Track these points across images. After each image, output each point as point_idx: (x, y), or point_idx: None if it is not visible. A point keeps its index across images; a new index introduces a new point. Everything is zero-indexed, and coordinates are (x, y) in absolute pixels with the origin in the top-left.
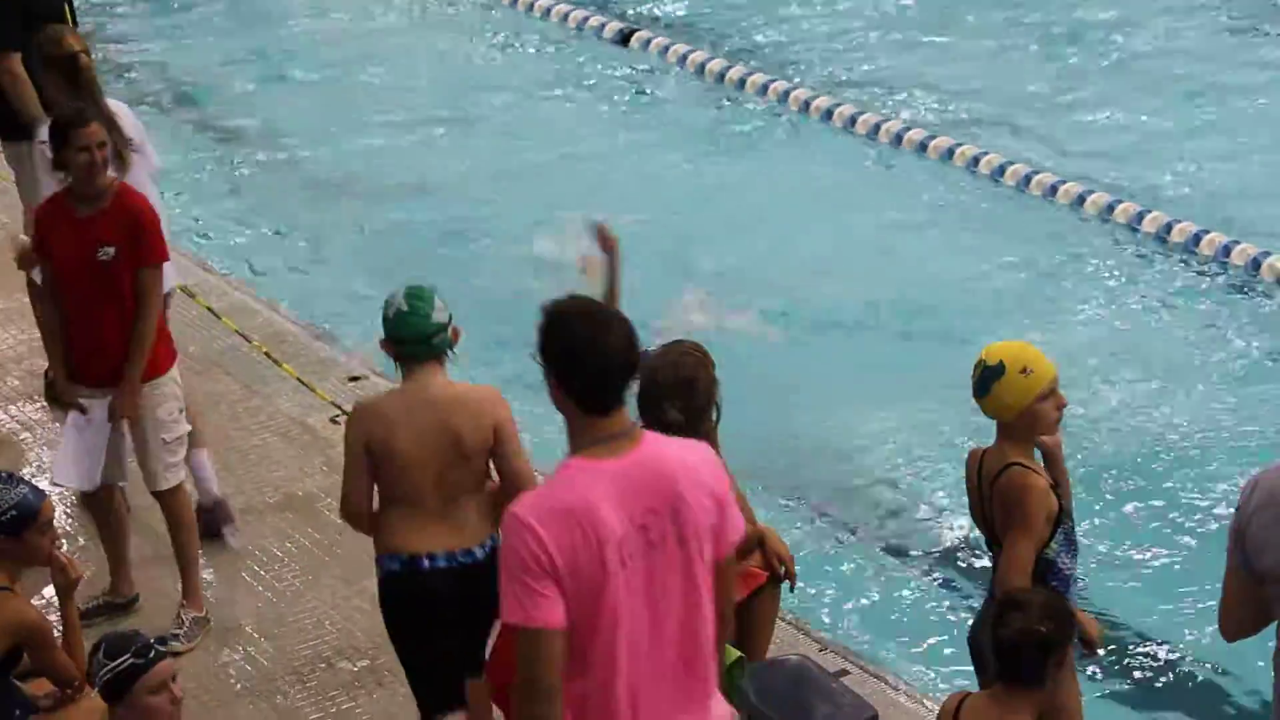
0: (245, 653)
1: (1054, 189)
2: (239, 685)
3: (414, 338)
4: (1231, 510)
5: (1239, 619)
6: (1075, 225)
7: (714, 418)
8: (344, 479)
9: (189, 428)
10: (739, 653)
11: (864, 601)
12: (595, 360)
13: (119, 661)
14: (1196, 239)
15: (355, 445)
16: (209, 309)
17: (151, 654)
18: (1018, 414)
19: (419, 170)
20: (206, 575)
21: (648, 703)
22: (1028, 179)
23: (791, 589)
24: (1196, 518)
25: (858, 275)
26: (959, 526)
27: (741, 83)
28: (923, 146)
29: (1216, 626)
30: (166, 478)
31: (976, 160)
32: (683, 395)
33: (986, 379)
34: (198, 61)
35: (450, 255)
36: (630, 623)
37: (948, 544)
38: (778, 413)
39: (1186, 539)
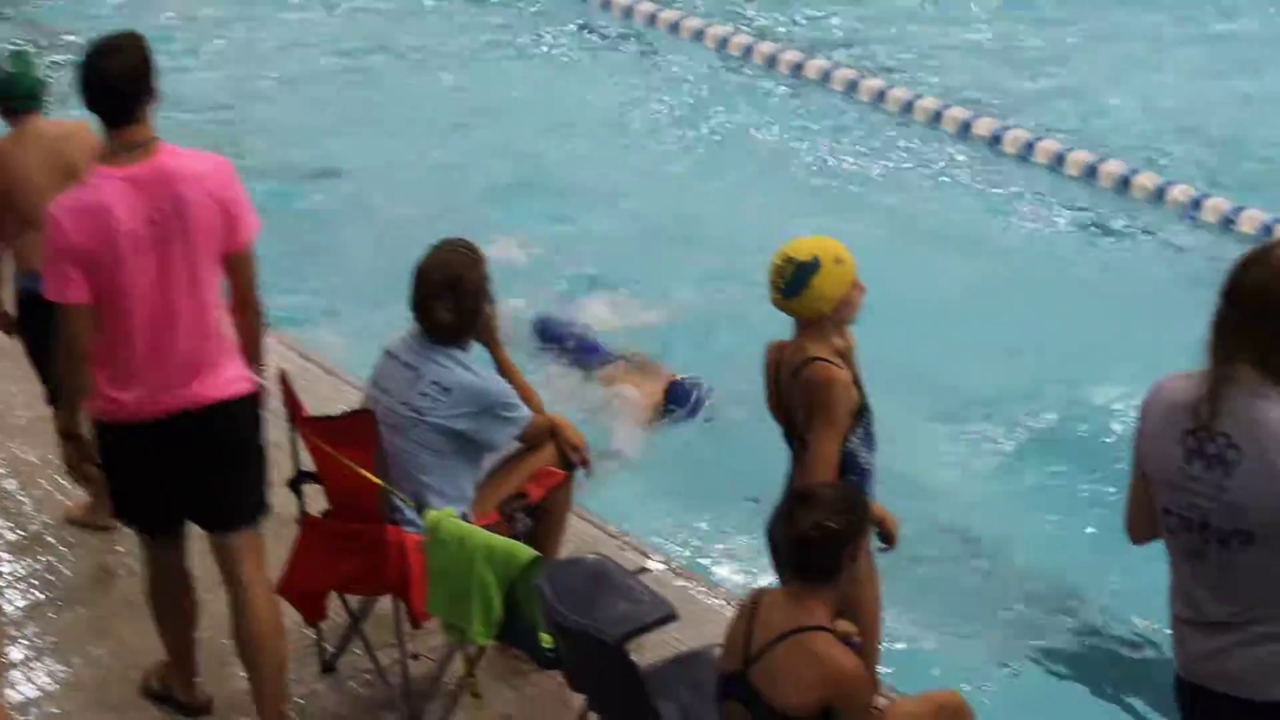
0: None
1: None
2: None
3: (24, 94)
4: None
5: (1139, 523)
6: None
7: (488, 312)
8: None
9: None
10: (535, 552)
11: (669, 503)
12: (93, 78)
13: None
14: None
15: None
16: None
17: None
18: (835, 304)
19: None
20: None
21: (161, 365)
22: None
23: (588, 475)
24: None
25: None
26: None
27: None
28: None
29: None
30: None
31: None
32: (451, 294)
33: (803, 275)
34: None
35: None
36: (144, 302)
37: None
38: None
39: None
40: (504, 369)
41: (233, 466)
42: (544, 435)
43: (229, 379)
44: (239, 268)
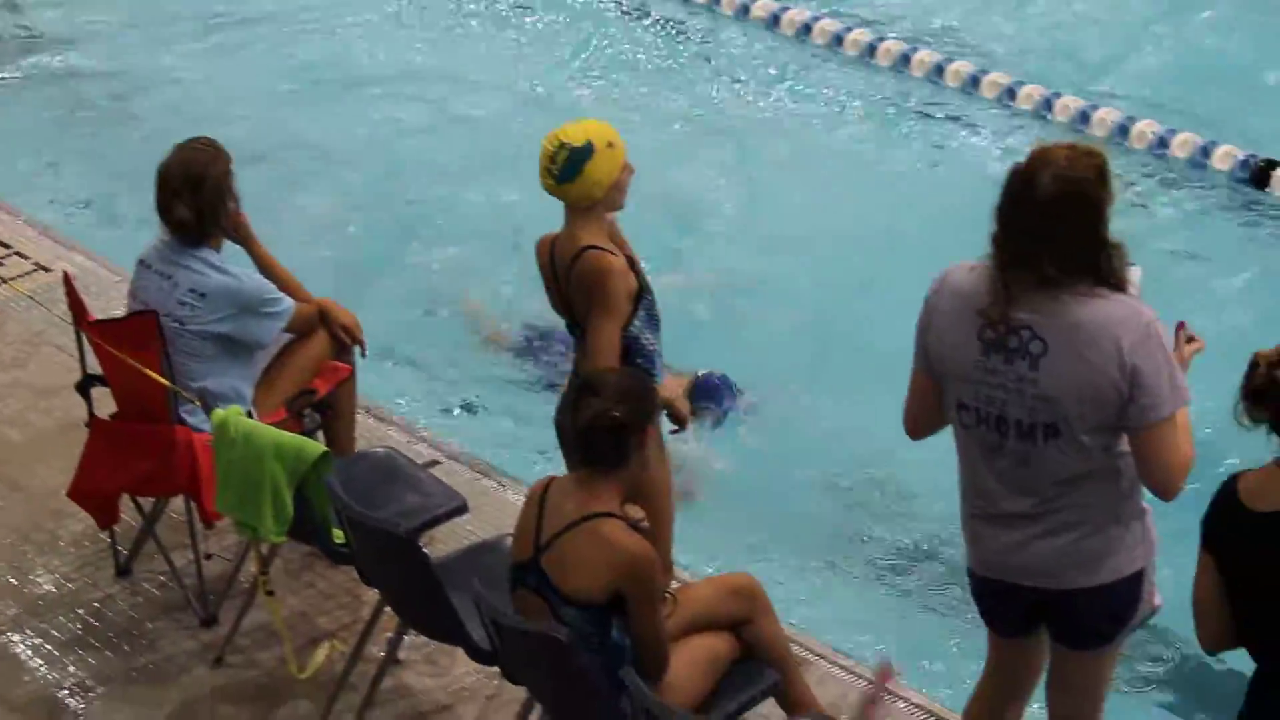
0: None
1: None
2: None
3: None
4: None
5: (919, 419)
6: None
7: (233, 209)
8: None
9: None
10: (324, 447)
11: (459, 394)
12: None
13: None
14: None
15: None
16: None
17: None
18: (607, 189)
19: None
20: None
21: None
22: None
23: (363, 355)
24: None
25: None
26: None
27: None
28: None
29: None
30: None
31: None
32: (191, 192)
33: (576, 161)
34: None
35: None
36: None
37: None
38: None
39: None
40: (262, 264)
41: None
42: (312, 322)
43: None
44: None
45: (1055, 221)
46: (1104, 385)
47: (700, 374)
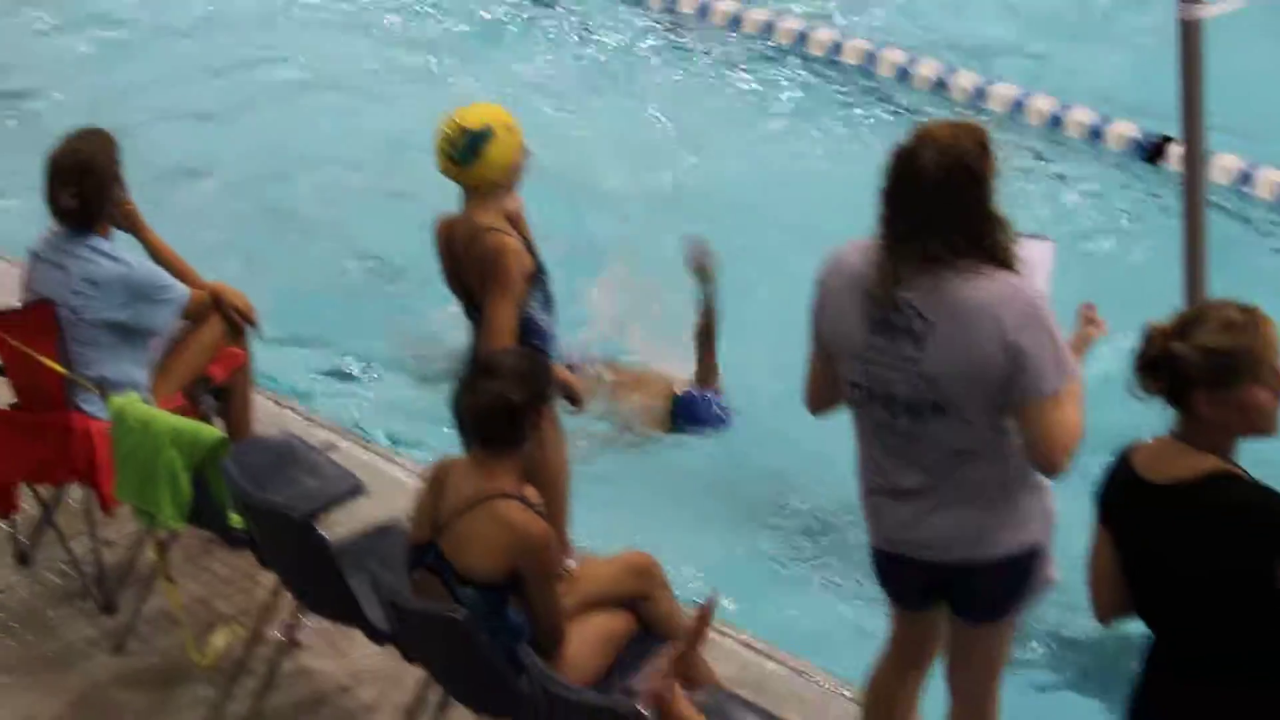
0: None
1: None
2: None
3: None
4: None
5: (818, 395)
6: None
7: (121, 196)
8: None
9: None
10: (221, 432)
11: (356, 378)
12: None
13: None
14: None
15: None
16: None
17: None
18: (505, 171)
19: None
20: None
21: None
22: None
23: (260, 336)
24: None
25: None
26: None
27: None
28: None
29: None
30: None
31: None
32: (78, 180)
33: (476, 144)
34: None
35: None
36: None
37: None
38: None
39: None
40: (154, 251)
41: None
42: (206, 307)
43: None
44: None
45: (940, 197)
46: (986, 364)
47: (683, 392)
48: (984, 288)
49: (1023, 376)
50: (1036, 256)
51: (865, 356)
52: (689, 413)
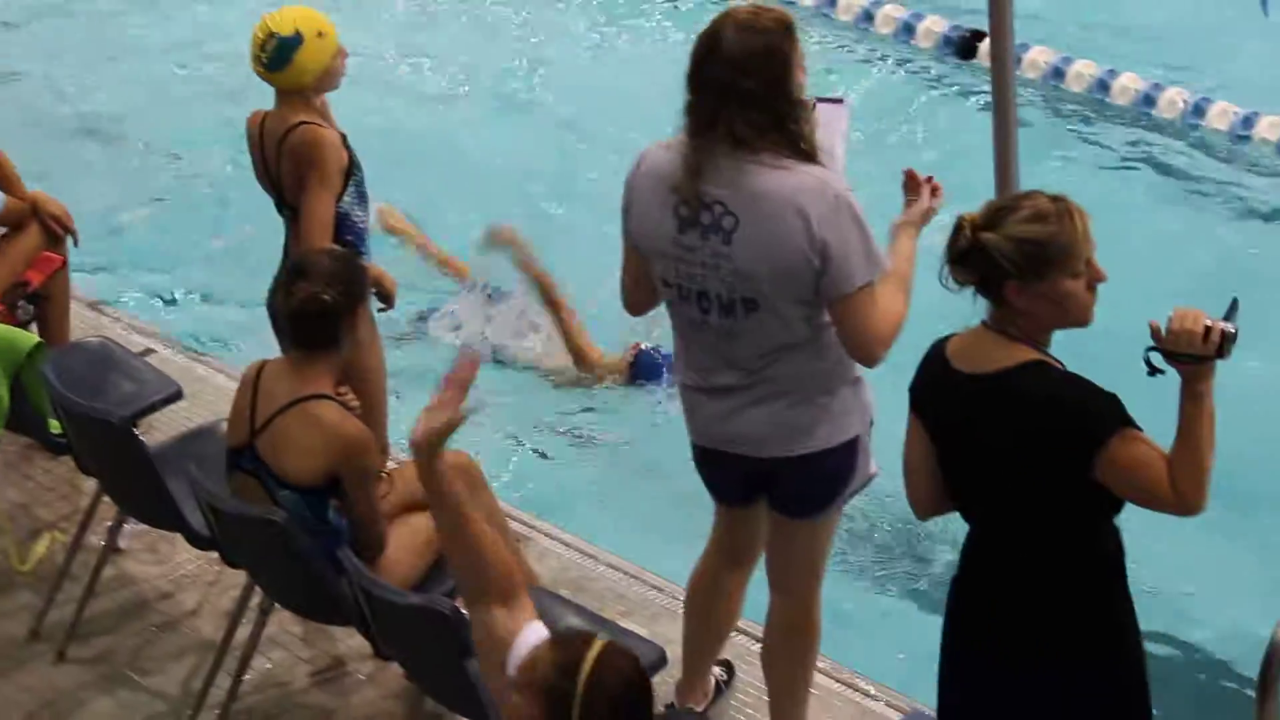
0: None
1: None
2: None
3: None
4: None
5: (634, 296)
6: None
7: None
8: None
9: None
10: (37, 338)
11: (172, 283)
12: None
13: None
14: None
15: None
16: None
17: None
18: (318, 76)
19: None
20: None
21: None
22: None
23: (75, 244)
24: None
25: None
26: None
27: None
28: None
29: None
30: None
31: None
32: None
33: (285, 50)
34: None
35: None
36: None
37: None
38: None
39: None
40: None
41: None
42: (24, 215)
43: None
44: None
45: (742, 75)
46: (795, 259)
47: (642, 347)
48: (788, 181)
49: (831, 270)
50: (831, 119)
51: (675, 255)
52: (648, 367)
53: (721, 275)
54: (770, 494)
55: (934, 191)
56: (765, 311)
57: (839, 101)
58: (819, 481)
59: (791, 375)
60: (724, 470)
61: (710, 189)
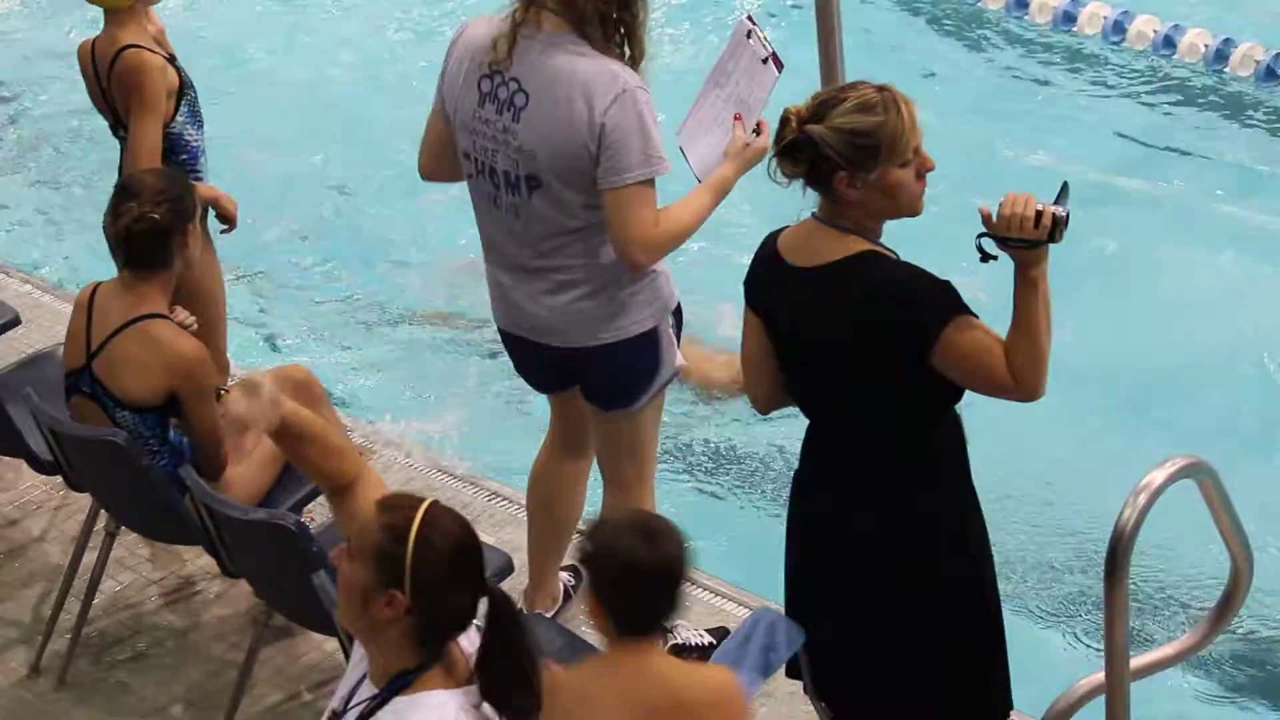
0: None
1: None
2: None
3: None
4: None
5: (426, 160)
6: None
7: None
8: None
9: None
10: None
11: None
12: None
13: None
14: None
15: None
16: None
17: None
18: None
19: None
20: None
21: None
22: None
23: None
24: None
25: None
26: None
27: None
28: None
29: None
30: None
31: None
32: None
33: None
34: None
35: None
36: None
37: None
38: None
39: None
40: None
41: None
42: None
43: None
44: None
45: None
46: (574, 142)
47: None
48: (582, 68)
49: (605, 160)
50: (764, 79)
51: (473, 128)
52: None
53: (509, 152)
54: (579, 384)
55: (757, 130)
56: (546, 192)
57: (779, 66)
58: (622, 373)
59: (582, 264)
60: (529, 357)
61: (512, 66)
